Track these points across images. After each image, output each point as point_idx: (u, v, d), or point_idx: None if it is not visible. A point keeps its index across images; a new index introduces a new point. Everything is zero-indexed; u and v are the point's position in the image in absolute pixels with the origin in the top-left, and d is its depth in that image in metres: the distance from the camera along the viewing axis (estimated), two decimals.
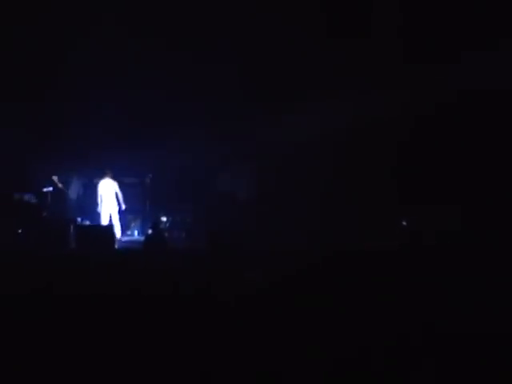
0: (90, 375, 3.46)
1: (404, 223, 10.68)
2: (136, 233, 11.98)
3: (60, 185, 11.41)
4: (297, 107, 11.03)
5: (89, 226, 11.07)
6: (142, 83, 11.17)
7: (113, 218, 11.22)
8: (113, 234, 10.03)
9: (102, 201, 11.24)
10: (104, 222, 11.19)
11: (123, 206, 11.37)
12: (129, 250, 10.11)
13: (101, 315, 4.69)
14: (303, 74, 11.14)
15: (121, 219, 11.44)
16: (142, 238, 10.43)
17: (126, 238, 11.57)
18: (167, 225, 11.07)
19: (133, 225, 12.08)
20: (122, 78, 11.16)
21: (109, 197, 11.24)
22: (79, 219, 11.29)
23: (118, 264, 7.69)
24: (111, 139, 11.51)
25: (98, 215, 11.32)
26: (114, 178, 11.40)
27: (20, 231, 10.23)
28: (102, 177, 11.35)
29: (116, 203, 11.28)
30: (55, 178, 11.43)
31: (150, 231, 9.42)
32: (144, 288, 5.70)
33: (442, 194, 10.95)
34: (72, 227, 10.23)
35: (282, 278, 6.25)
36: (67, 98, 11.43)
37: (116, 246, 9.87)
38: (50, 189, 11.32)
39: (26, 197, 11.07)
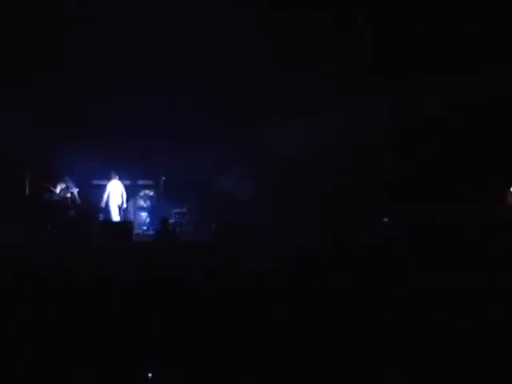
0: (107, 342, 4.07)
1: (385, 220, 11.75)
2: (151, 228, 13.04)
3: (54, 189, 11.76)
4: (292, 116, 12.03)
5: (110, 221, 12.07)
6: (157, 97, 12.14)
7: (119, 213, 12.46)
8: (131, 229, 11.05)
9: (108, 198, 12.34)
10: (114, 216, 12.32)
11: (125, 205, 12.54)
12: (143, 242, 11.20)
13: (118, 295, 5.38)
14: (298, 87, 11.95)
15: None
16: None
17: (141, 232, 12.74)
18: (177, 221, 12.15)
19: (148, 221, 13.31)
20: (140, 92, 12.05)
21: (116, 195, 12.43)
22: (101, 216, 12.34)
23: (134, 252, 8.77)
24: (129, 146, 12.58)
25: (106, 210, 12.42)
26: (120, 179, 12.58)
27: (49, 227, 11.04)
28: (109, 178, 12.49)
29: (121, 201, 12.47)
30: (45, 184, 11.66)
31: (159, 227, 10.54)
32: (154, 271, 6.46)
33: (421, 195, 11.87)
34: (95, 223, 11.34)
35: (277, 268, 6.70)
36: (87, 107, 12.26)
37: (133, 239, 10.83)
38: (77, 189, 12.07)
39: (55, 197, 11.83)
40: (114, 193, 12.50)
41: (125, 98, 12.10)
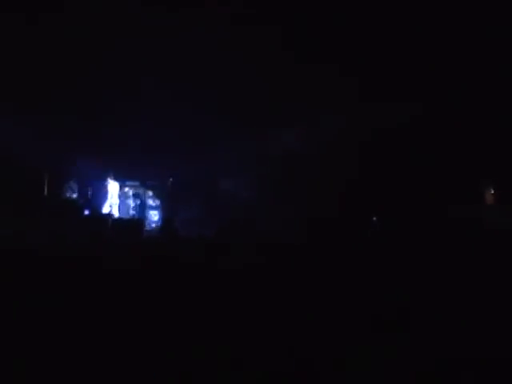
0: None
1: (374, 219, 12.62)
2: (159, 225, 13.82)
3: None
4: (288, 125, 13.14)
5: (123, 219, 12.94)
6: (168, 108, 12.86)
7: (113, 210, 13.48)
8: (142, 226, 11.94)
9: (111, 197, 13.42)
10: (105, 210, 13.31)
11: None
12: (152, 237, 12.12)
13: (130, 282, 5.74)
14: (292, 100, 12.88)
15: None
16: None
17: (151, 230, 13.64)
18: (181, 219, 12.79)
19: (156, 219, 14.25)
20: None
21: (114, 196, 13.47)
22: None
23: (144, 246, 9.69)
24: (139, 149, 13.34)
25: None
26: (116, 179, 13.62)
27: (65, 226, 11.21)
28: (106, 179, 13.44)
29: (117, 201, 13.56)
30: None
31: (164, 224, 11.49)
32: (161, 262, 6.98)
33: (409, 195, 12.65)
34: (110, 221, 12.08)
35: (273, 260, 7.12)
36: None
37: (143, 235, 11.79)
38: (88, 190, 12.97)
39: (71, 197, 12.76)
40: (113, 193, 13.51)
41: (134, 109, 12.96)
